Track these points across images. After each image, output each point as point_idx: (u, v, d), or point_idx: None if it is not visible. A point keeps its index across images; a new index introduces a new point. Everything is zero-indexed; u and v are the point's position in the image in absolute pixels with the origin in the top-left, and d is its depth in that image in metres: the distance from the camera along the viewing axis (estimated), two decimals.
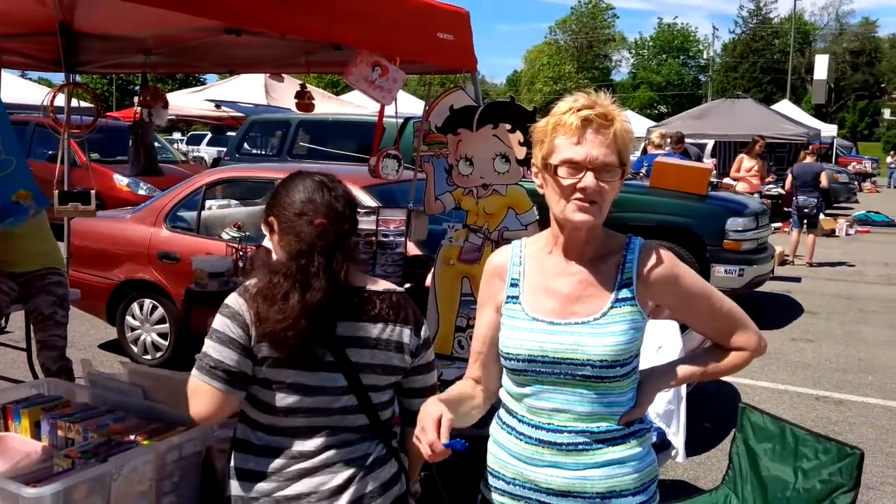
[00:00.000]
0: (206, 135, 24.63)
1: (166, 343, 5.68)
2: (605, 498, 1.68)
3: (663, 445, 3.45)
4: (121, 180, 11.19)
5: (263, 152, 11.10)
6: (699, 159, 12.26)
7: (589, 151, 1.63)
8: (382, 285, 1.86)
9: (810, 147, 14.30)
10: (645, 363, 1.79)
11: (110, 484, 1.86)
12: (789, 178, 11.54)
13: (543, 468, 1.70)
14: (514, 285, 1.78)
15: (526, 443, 1.72)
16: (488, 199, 3.71)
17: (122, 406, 2.24)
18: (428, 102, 4.05)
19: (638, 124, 22.09)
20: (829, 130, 24.85)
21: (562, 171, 1.65)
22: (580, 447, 1.68)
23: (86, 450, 1.99)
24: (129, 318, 5.79)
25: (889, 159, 34.39)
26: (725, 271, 7.31)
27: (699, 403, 4.50)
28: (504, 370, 1.79)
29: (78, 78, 4.87)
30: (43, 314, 3.94)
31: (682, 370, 1.82)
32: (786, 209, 13.19)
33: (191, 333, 5.24)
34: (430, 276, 4.01)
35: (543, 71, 62.77)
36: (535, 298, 1.74)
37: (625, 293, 1.70)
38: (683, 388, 3.57)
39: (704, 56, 67.96)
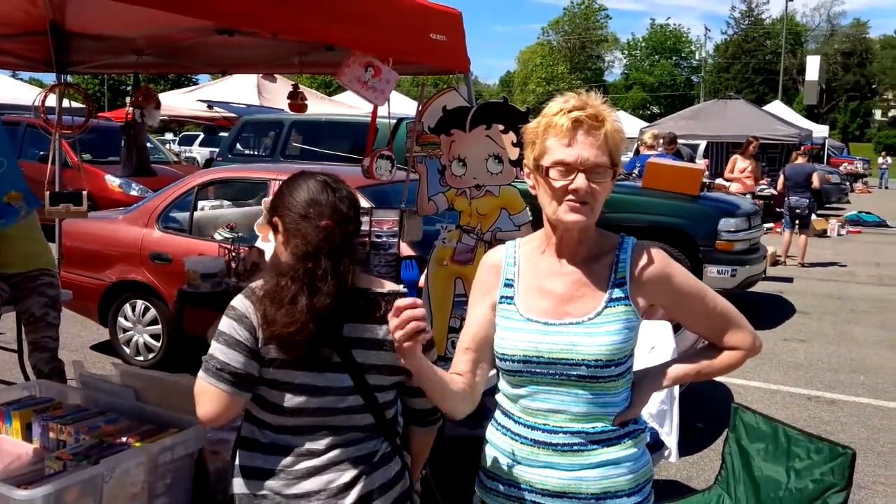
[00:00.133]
0: (198, 135, 24.59)
1: (158, 344, 5.65)
2: (600, 499, 1.68)
3: (656, 445, 3.46)
4: (113, 181, 11.16)
5: (256, 153, 11.07)
6: (691, 160, 12.29)
7: (580, 153, 1.63)
8: (387, 286, 1.87)
9: (802, 148, 14.41)
10: (638, 364, 1.79)
11: (102, 486, 1.85)
12: (781, 179, 11.60)
13: (538, 469, 1.70)
14: (508, 285, 1.78)
15: (521, 443, 1.72)
16: (481, 199, 3.71)
17: (114, 408, 2.23)
18: (421, 103, 4.04)
19: (630, 125, 22.15)
20: (820, 131, 24.97)
21: (553, 173, 1.65)
22: (575, 448, 1.68)
23: (77, 452, 1.98)
24: (121, 320, 5.77)
25: (880, 160, 34.59)
26: (718, 272, 7.34)
27: (692, 404, 4.52)
28: (499, 371, 1.79)
29: (69, 78, 4.85)
30: (34, 315, 3.92)
31: (677, 370, 1.82)
32: (778, 210, 13.25)
33: (183, 334, 5.23)
34: (423, 277, 4.01)
35: (536, 72, 62.90)
36: (529, 299, 1.74)
37: (618, 293, 1.70)
38: (676, 388, 3.58)
39: (697, 57, 68.20)
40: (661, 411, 3.52)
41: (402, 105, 13.21)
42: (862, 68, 63.63)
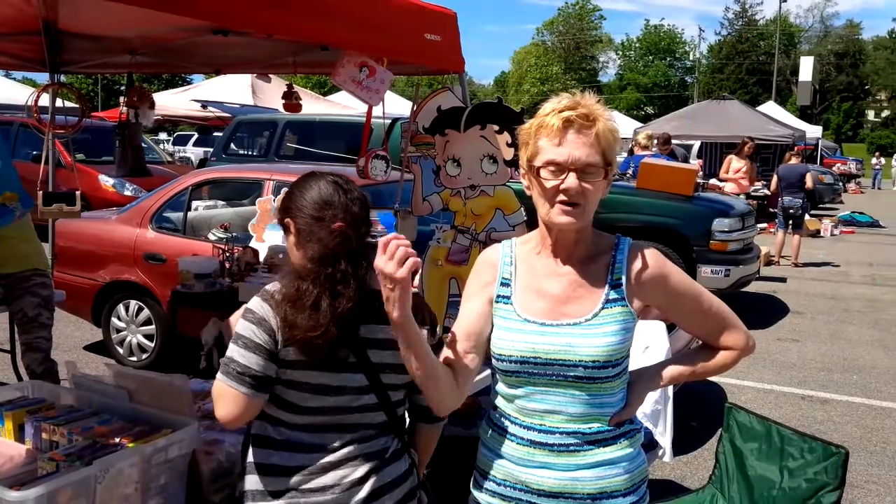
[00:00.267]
0: (192, 135, 24.55)
1: (152, 345, 5.64)
2: (596, 499, 1.68)
3: (651, 445, 3.47)
4: (106, 181, 11.13)
5: (250, 153, 11.05)
6: (685, 160, 12.31)
7: (571, 152, 1.63)
8: None
9: (795, 148, 14.43)
10: (633, 363, 1.80)
11: (95, 487, 1.84)
12: (775, 179, 11.62)
13: (534, 469, 1.70)
14: (505, 285, 1.77)
15: (517, 444, 1.72)
16: (476, 200, 3.71)
17: (108, 408, 2.22)
18: (415, 103, 4.04)
19: (624, 126, 22.18)
20: (813, 132, 25.06)
21: (544, 173, 1.65)
22: (571, 448, 1.68)
23: (70, 452, 1.97)
24: (114, 320, 5.76)
25: (874, 160, 34.73)
26: (712, 272, 7.36)
27: (686, 403, 4.53)
28: (495, 372, 1.78)
29: (63, 78, 4.83)
30: (27, 316, 3.90)
31: (672, 370, 1.83)
32: (771, 210, 13.29)
33: (177, 335, 5.22)
34: (417, 278, 4.01)
35: (531, 72, 62.92)
36: (526, 299, 1.74)
37: (615, 293, 1.70)
38: (670, 388, 3.58)
39: (691, 57, 68.39)
40: (655, 411, 3.53)
41: (396, 105, 13.21)
42: (855, 69, 63.86)
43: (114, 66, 4.90)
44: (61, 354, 5.16)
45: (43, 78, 4.86)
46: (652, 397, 3.47)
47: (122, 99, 5.09)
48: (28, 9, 3.64)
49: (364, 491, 1.78)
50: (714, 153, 19.00)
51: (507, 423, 1.76)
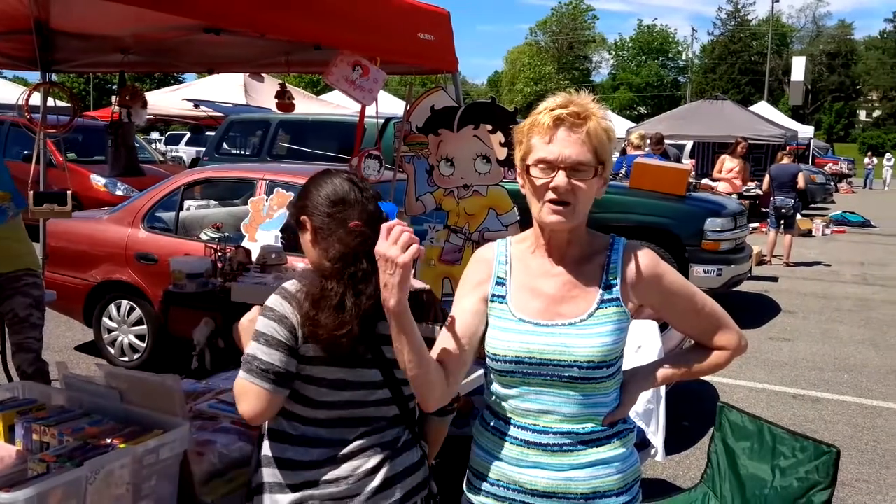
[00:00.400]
0: (184, 134, 24.46)
1: (144, 345, 5.62)
2: (589, 499, 1.68)
3: (643, 444, 3.48)
4: (98, 180, 11.08)
5: (243, 152, 11.03)
6: (678, 160, 12.35)
7: (561, 150, 1.63)
8: (416, 284, 1.91)
9: (787, 148, 14.48)
10: (625, 363, 1.80)
11: (86, 488, 1.83)
12: (767, 179, 11.67)
13: (527, 469, 1.70)
14: (500, 284, 1.77)
15: (510, 443, 1.72)
16: (469, 199, 3.71)
17: (99, 409, 2.21)
18: (409, 103, 4.04)
19: (617, 125, 22.22)
20: (805, 131, 25.16)
21: (534, 171, 1.65)
22: (565, 448, 1.68)
23: (61, 454, 1.96)
24: (105, 320, 5.73)
25: (866, 160, 34.89)
26: (704, 271, 7.38)
27: (678, 403, 4.54)
28: (489, 371, 1.78)
29: (54, 77, 4.81)
30: (18, 316, 3.89)
31: (665, 370, 1.83)
32: (763, 209, 13.34)
33: (168, 335, 5.21)
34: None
35: (524, 72, 63.02)
36: (521, 299, 1.73)
37: (610, 294, 1.70)
38: (663, 387, 3.59)
39: (683, 57, 68.59)
40: (647, 410, 3.54)
41: (389, 105, 13.21)
42: (847, 69, 64.18)
43: (105, 65, 4.88)
44: (52, 355, 5.14)
45: (34, 77, 4.83)
46: (644, 396, 3.48)
47: (114, 98, 5.07)
48: (20, 8, 3.62)
49: (377, 480, 1.82)
50: (706, 153, 19.07)
51: (500, 422, 1.75)
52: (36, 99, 4.69)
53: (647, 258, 1.74)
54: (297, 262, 4.76)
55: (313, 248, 1.89)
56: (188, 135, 23.52)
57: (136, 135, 10.75)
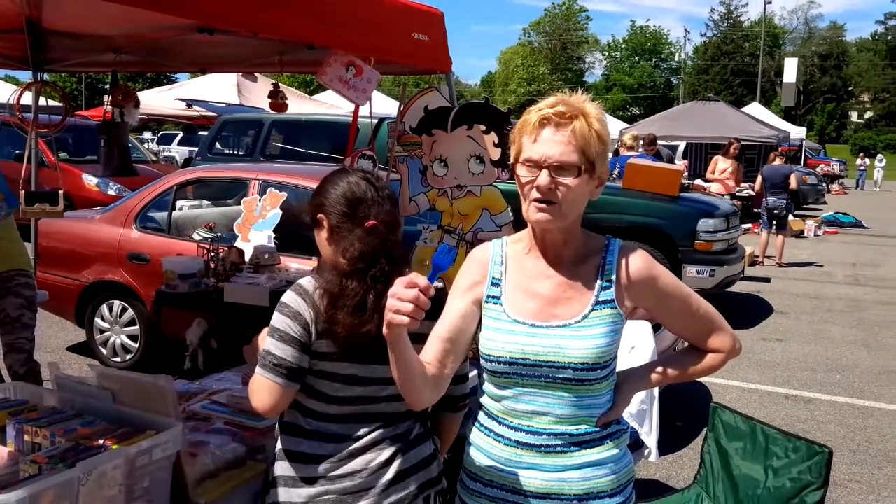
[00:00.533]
0: (177, 134, 24.39)
1: (136, 345, 5.59)
2: (583, 500, 1.68)
3: (636, 445, 3.48)
4: (90, 180, 11.04)
5: (236, 152, 11.00)
6: (671, 161, 12.39)
7: (545, 150, 1.62)
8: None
9: (780, 149, 14.52)
10: (619, 364, 1.80)
11: (78, 489, 1.82)
12: (759, 180, 11.71)
13: (521, 470, 1.70)
14: (495, 284, 1.76)
15: (504, 445, 1.72)
16: (463, 200, 3.71)
17: (91, 410, 2.20)
18: (402, 103, 4.04)
19: (610, 126, 22.09)
20: (797, 133, 25.24)
21: (521, 170, 1.66)
22: (558, 449, 1.68)
23: (53, 455, 1.96)
24: (98, 320, 5.71)
25: (858, 161, 35.04)
26: (697, 272, 7.40)
27: (671, 403, 4.55)
28: (483, 372, 1.78)
29: (46, 76, 4.79)
30: (10, 316, 3.86)
31: (659, 372, 1.83)
32: (756, 210, 13.38)
33: (161, 335, 5.19)
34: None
35: (517, 72, 63.09)
36: (516, 300, 1.73)
37: (605, 295, 1.70)
38: (656, 388, 3.59)
39: (676, 58, 68.78)
40: (640, 411, 3.54)
41: (383, 105, 13.19)
42: (838, 71, 64.48)
43: (98, 64, 4.86)
44: (44, 355, 5.12)
45: (26, 76, 4.81)
46: (638, 397, 3.49)
47: (106, 98, 5.06)
48: (11, 6, 3.60)
49: (390, 472, 1.83)
50: (699, 154, 19.11)
51: (494, 423, 1.75)
52: (27, 98, 4.67)
53: (642, 260, 1.74)
54: (290, 263, 4.75)
55: (329, 246, 1.91)
56: (181, 134, 23.46)
57: (129, 134, 10.73)
